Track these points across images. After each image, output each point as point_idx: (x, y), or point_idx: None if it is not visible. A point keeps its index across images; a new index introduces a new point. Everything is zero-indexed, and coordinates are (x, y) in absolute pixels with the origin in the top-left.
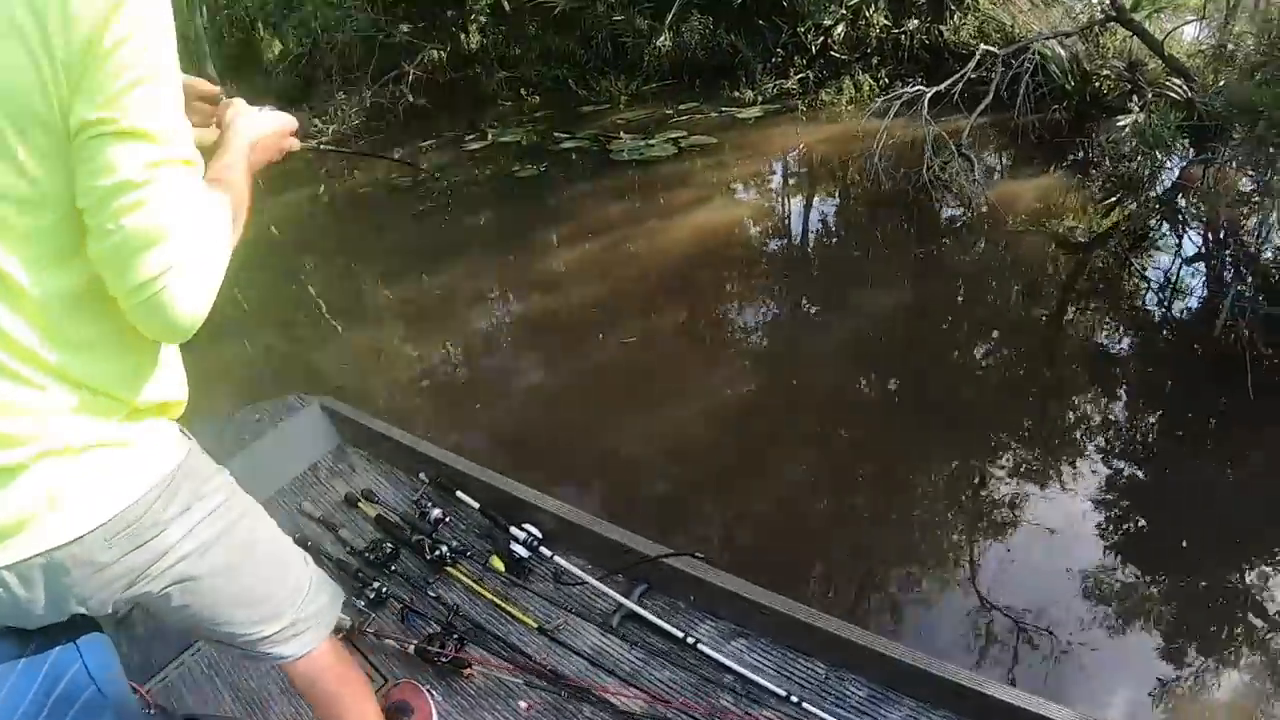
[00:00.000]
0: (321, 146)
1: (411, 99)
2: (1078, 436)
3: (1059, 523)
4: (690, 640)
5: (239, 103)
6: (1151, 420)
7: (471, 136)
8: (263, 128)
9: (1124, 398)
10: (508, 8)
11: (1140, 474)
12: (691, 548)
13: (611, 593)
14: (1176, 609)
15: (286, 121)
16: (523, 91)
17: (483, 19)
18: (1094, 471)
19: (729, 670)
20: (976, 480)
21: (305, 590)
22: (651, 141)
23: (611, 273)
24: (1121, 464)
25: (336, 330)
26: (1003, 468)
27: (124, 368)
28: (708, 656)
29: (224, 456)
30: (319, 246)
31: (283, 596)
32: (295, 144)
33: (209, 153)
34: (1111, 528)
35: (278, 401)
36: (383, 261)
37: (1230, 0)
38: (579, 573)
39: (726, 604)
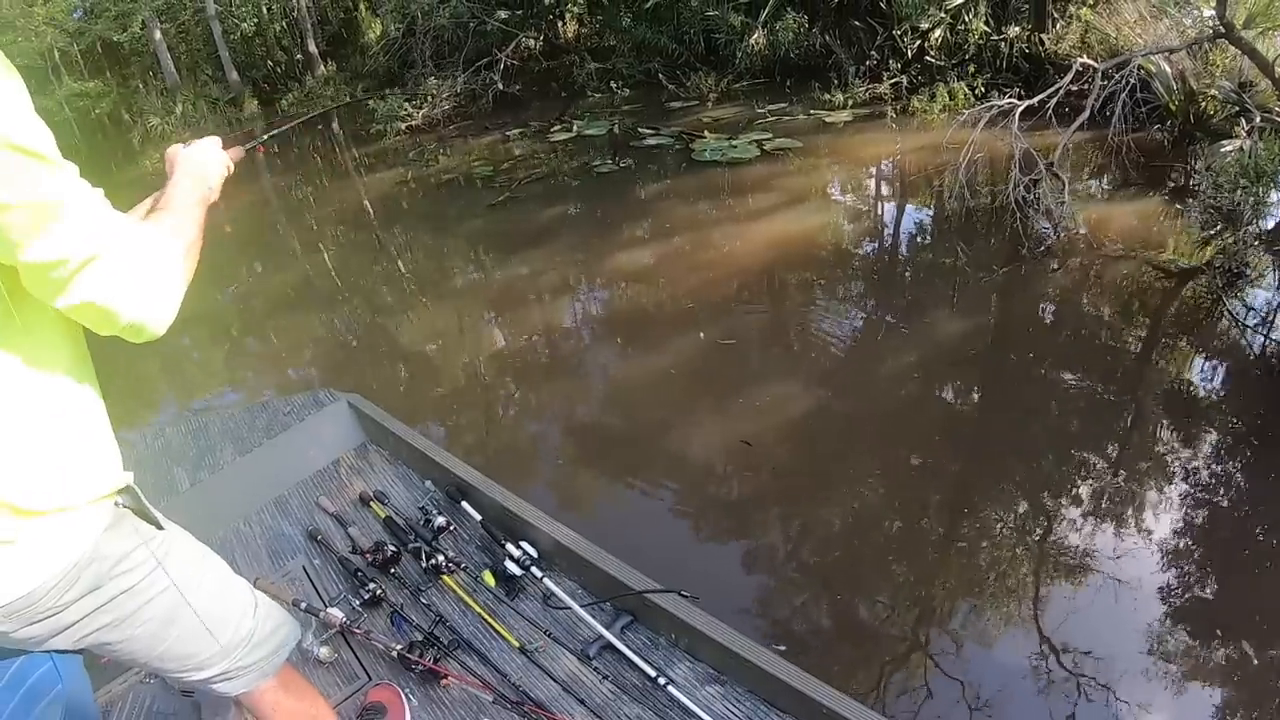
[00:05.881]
0: (249, 146)
1: (502, 86)
2: (1153, 486)
3: (1118, 591)
4: (662, 681)
5: (173, 148)
6: (1233, 475)
7: (557, 128)
8: (196, 158)
9: (1206, 449)
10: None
11: (1218, 531)
12: (705, 578)
13: (593, 622)
14: (1244, 681)
15: (212, 142)
16: (613, 84)
17: (578, 8)
18: (1167, 527)
19: (695, 716)
20: (1042, 525)
21: (244, 644)
22: (735, 142)
23: (679, 278)
24: (1198, 517)
25: (401, 317)
26: (1069, 517)
27: (6, 478)
28: (676, 700)
29: (253, 445)
30: (397, 229)
31: (212, 653)
32: (232, 156)
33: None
34: (1178, 589)
35: (307, 395)
36: (455, 252)
37: None
38: (565, 597)
39: (705, 647)
